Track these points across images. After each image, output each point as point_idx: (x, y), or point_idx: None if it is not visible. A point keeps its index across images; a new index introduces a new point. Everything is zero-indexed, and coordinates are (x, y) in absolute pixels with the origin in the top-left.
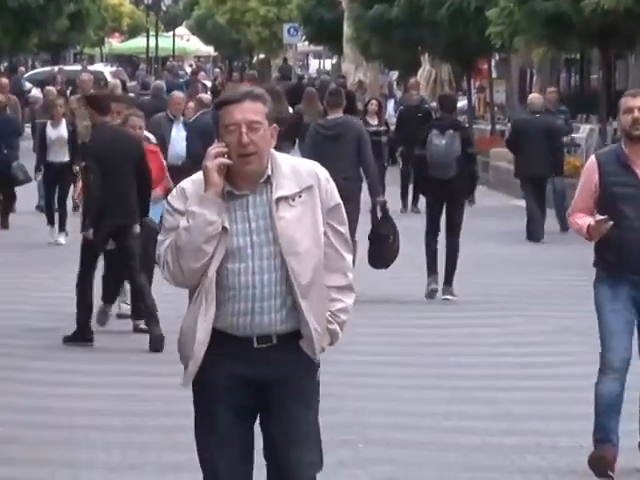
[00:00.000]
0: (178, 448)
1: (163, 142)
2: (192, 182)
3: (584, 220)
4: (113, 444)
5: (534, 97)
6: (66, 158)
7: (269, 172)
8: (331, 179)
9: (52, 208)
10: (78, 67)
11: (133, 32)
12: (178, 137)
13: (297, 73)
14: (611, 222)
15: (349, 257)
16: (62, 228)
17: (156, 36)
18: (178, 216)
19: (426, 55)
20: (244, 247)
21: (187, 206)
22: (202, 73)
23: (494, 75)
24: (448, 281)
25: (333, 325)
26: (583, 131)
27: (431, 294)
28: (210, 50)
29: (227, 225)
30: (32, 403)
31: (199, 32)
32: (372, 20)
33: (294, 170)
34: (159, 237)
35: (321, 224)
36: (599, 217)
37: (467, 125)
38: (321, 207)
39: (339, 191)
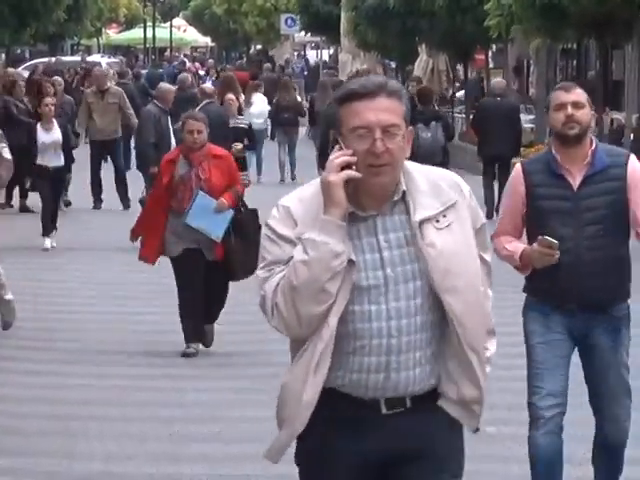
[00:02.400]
0: (174, 439)
1: (165, 137)
2: (299, 200)
3: (515, 246)
4: (110, 435)
5: (496, 81)
6: (61, 162)
7: (403, 187)
8: (473, 194)
9: (49, 217)
10: (77, 58)
11: (130, 23)
12: (171, 129)
13: (279, 64)
14: (557, 255)
15: (490, 293)
16: (53, 227)
17: (153, 27)
18: (286, 245)
19: (423, 45)
20: (375, 284)
21: (298, 232)
22: (197, 64)
23: (491, 65)
24: None
25: None
26: None
27: None
28: (207, 41)
29: (354, 257)
30: (30, 394)
31: (196, 23)
32: (369, 10)
33: (432, 183)
34: (258, 272)
35: (475, 249)
36: (547, 238)
37: (444, 113)
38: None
39: None
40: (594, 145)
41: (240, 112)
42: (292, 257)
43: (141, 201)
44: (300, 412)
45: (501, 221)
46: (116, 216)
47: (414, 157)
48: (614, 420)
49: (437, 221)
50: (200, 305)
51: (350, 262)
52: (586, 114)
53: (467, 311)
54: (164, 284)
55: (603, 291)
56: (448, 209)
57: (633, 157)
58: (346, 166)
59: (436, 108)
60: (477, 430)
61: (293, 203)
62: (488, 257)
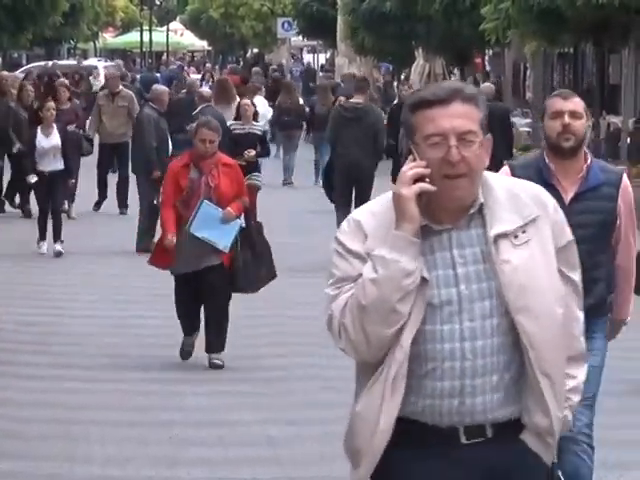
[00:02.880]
0: (174, 442)
1: (164, 140)
2: (371, 213)
3: None
4: (110, 438)
5: (485, 86)
6: (59, 167)
7: (481, 199)
8: (559, 208)
9: (45, 221)
10: (73, 62)
11: (127, 27)
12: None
13: (272, 67)
14: None
15: (581, 315)
16: (58, 237)
17: (150, 31)
18: (355, 261)
19: (420, 49)
20: (449, 302)
21: (368, 247)
22: (192, 68)
23: (488, 69)
24: None
25: (564, 410)
26: None
27: None
28: (204, 44)
29: (426, 274)
30: (31, 398)
31: (193, 27)
32: (365, 14)
33: (512, 196)
34: (326, 290)
35: (556, 268)
36: None
37: None
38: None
39: (357, 171)
40: (589, 160)
41: (255, 118)
42: (362, 274)
43: (143, 205)
44: (375, 443)
45: None
46: (117, 220)
47: (397, 156)
48: None
49: (515, 237)
50: (194, 301)
51: (423, 280)
52: (583, 125)
53: (541, 333)
54: (165, 288)
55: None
56: (528, 224)
57: (625, 177)
58: (419, 178)
59: None
60: (553, 465)
61: (364, 216)
62: (575, 276)
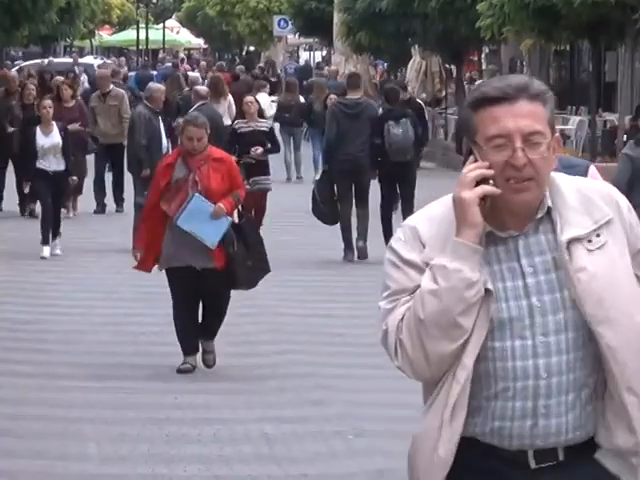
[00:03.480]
0: (169, 440)
1: (157, 139)
2: (428, 219)
3: None
4: (105, 436)
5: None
6: (61, 167)
7: (549, 203)
8: (632, 208)
9: (49, 223)
10: (69, 60)
11: (123, 24)
12: (163, 130)
13: (259, 66)
14: None
15: None
16: (55, 236)
17: (146, 28)
18: (412, 271)
19: (416, 47)
20: (519, 316)
21: (426, 256)
22: (186, 65)
23: (484, 66)
24: None
25: None
26: (573, 123)
27: None
28: (200, 42)
29: (491, 285)
30: (27, 396)
31: (189, 24)
32: (362, 11)
33: (584, 197)
34: (380, 303)
35: (633, 274)
36: None
37: (411, 111)
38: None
39: (358, 167)
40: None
41: (261, 115)
42: (419, 286)
43: (137, 205)
44: (435, 470)
45: None
46: (114, 219)
47: (384, 153)
48: None
49: (589, 241)
50: (193, 319)
51: (487, 291)
52: None
53: (624, 345)
54: (162, 286)
55: None
56: (602, 227)
57: (592, 168)
58: (482, 180)
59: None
60: None
61: (421, 223)
62: None
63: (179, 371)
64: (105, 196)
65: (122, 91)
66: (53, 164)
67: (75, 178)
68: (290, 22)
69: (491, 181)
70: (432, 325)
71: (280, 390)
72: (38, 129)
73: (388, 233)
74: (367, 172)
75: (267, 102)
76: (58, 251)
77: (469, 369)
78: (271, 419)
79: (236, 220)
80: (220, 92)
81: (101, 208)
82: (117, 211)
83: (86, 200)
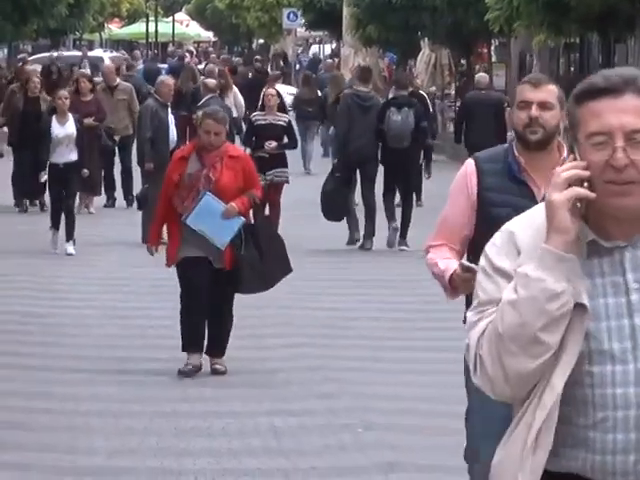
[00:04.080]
0: (177, 434)
1: (163, 132)
2: (529, 225)
3: (447, 264)
4: (113, 429)
5: (480, 76)
6: (73, 158)
7: None
8: None
9: (59, 212)
10: (78, 53)
11: (132, 17)
12: (171, 123)
13: (256, 58)
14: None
15: None
16: (70, 236)
17: (155, 21)
18: (503, 281)
19: (426, 39)
20: (620, 337)
21: (518, 264)
22: (195, 59)
23: (494, 59)
24: (403, 234)
25: None
26: None
27: (391, 239)
28: (210, 35)
29: (586, 300)
30: (35, 390)
31: (198, 17)
32: (371, 5)
33: None
34: (468, 314)
35: None
36: (465, 263)
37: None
38: None
39: (366, 156)
40: (565, 152)
41: (283, 109)
42: None
43: (139, 197)
44: None
45: (440, 227)
46: (123, 213)
47: (384, 139)
48: None
49: None
50: (203, 314)
51: (580, 306)
52: (555, 116)
53: None
54: (171, 279)
55: None
56: None
57: None
58: (578, 182)
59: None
60: None
61: (520, 228)
62: None
63: (181, 373)
64: (115, 190)
65: (130, 85)
66: (65, 155)
67: (86, 171)
68: (300, 15)
69: (586, 183)
70: (510, 340)
71: (288, 383)
72: (54, 119)
73: (391, 218)
74: (374, 164)
75: (284, 94)
76: (71, 250)
77: (557, 392)
78: (280, 412)
79: (251, 220)
80: (226, 85)
81: (111, 202)
82: (128, 205)
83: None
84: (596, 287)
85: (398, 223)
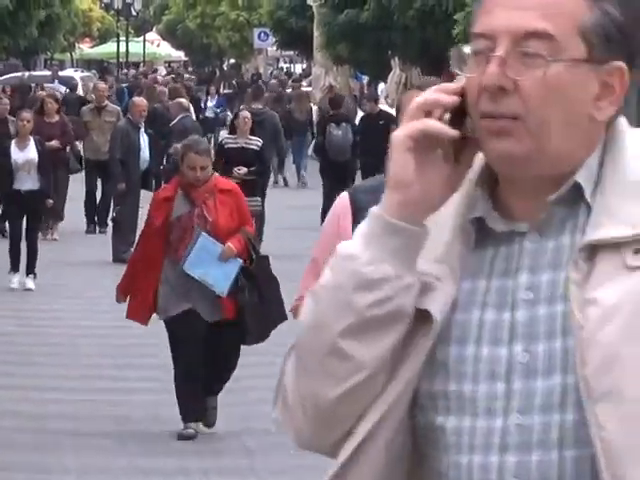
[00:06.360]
0: (149, 453)
1: (133, 154)
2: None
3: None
4: (83, 448)
5: None
6: (35, 185)
7: (579, 176)
8: None
9: (18, 248)
10: (47, 72)
11: (103, 37)
12: (144, 144)
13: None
14: None
15: None
16: (31, 270)
17: (126, 41)
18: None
19: (396, 59)
20: (491, 375)
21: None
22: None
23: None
24: None
25: None
26: None
27: None
28: (181, 55)
29: (434, 307)
30: (3, 407)
31: (169, 37)
32: (342, 25)
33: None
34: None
35: None
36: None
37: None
38: None
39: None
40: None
41: (253, 132)
42: None
43: (113, 220)
44: None
45: (310, 271)
46: (95, 235)
47: (325, 153)
48: None
49: (637, 251)
50: (199, 379)
51: (423, 313)
52: None
53: (629, 437)
54: None
55: None
56: None
57: None
58: (440, 113)
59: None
60: None
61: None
62: None
63: (181, 437)
64: (96, 215)
65: (118, 108)
66: (27, 182)
67: (51, 201)
68: (270, 35)
69: (447, 115)
70: (305, 350)
71: (260, 401)
72: (13, 143)
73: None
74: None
75: None
76: (31, 285)
77: (378, 443)
78: (252, 431)
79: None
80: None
81: (93, 227)
82: (100, 232)
83: (73, 219)
84: (475, 292)
85: None
